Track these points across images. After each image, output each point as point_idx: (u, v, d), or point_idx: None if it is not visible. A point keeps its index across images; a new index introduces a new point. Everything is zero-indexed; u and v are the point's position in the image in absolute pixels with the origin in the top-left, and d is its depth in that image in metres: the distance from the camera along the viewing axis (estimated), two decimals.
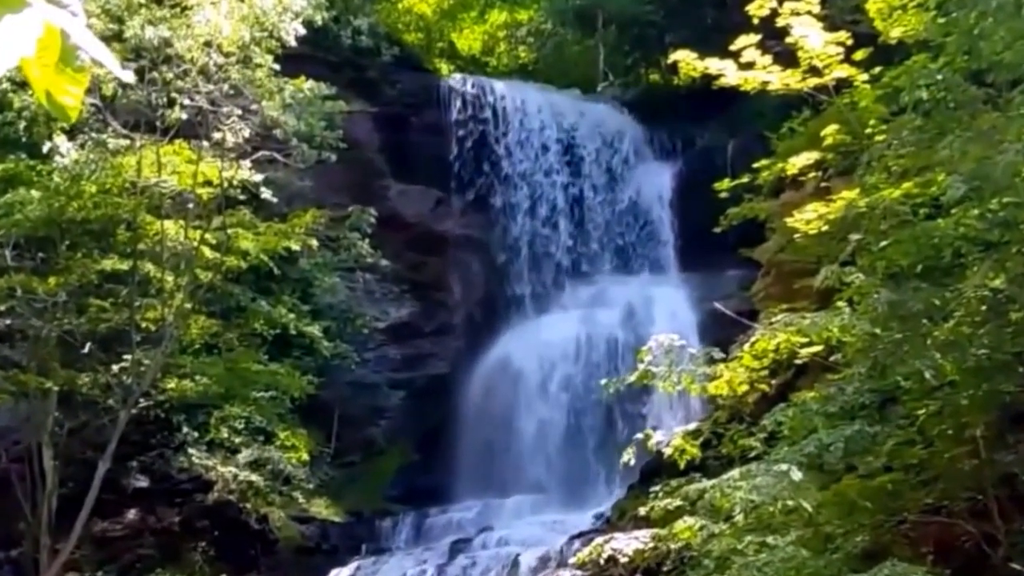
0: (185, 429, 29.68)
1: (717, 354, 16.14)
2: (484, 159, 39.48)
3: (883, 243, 14.22)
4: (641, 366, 15.63)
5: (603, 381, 16.94)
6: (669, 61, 17.19)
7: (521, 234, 38.88)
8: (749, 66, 15.17)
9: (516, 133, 39.82)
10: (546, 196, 39.34)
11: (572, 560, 21.67)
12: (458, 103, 39.81)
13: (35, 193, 25.92)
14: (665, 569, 18.20)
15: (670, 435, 16.53)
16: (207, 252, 27.19)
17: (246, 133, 26.50)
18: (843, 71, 15.11)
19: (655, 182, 39.39)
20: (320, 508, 31.55)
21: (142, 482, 29.50)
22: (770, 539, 13.65)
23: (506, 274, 38.35)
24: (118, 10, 25.69)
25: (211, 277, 27.43)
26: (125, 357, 26.69)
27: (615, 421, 32.78)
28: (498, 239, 38.78)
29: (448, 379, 36.24)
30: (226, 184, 26.77)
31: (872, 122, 15.36)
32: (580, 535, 26.67)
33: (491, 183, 39.30)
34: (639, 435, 15.93)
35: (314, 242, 29.05)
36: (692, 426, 17.42)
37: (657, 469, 21.42)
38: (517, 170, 39.47)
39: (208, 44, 25.58)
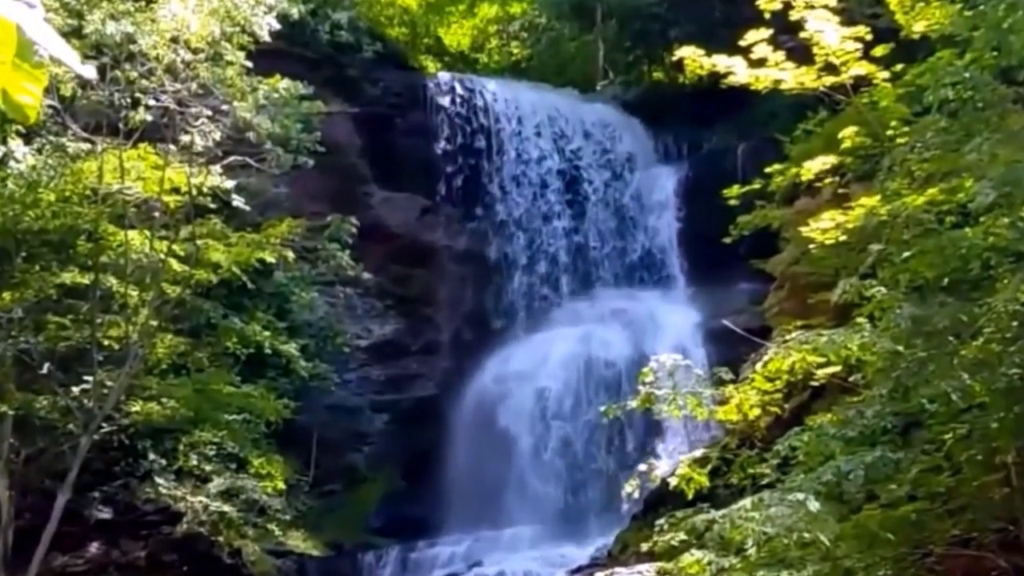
0: (151, 456, 29.60)
1: (726, 375, 16.12)
2: (477, 201, 39.05)
3: (906, 254, 14.21)
4: (643, 388, 15.57)
5: (602, 408, 16.86)
6: (674, 58, 17.15)
7: (517, 298, 38.43)
8: (760, 63, 15.16)
9: (512, 166, 39.29)
10: (545, 247, 38.70)
11: None
12: (446, 128, 39.32)
13: None
14: None
15: (675, 463, 16.49)
16: (174, 265, 27.14)
17: (216, 136, 26.46)
18: (862, 68, 15.10)
19: (658, 188, 39.25)
20: (297, 541, 31.47)
21: (105, 513, 29.41)
22: (785, 574, 13.61)
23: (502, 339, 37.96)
24: (77, 4, 25.66)
25: (179, 292, 27.36)
26: (86, 378, 26.60)
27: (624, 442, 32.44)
28: (492, 299, 38.42)
29: (436, 401, 36.18)
30: (195, 191, 26.73)
31: (893, 123, 15.36)
32: (579, 570, 26.65)
33: (484, 230, 38.88)
34: (642, 465, 15.89)
35: (290, 254, 28.98)
36: (699, 453, 17.38)
37: (662, 498, 21.38)
38: (513, 215, 38.95)
39: (175, 40, 25.55)
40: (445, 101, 39.83)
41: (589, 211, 39.03)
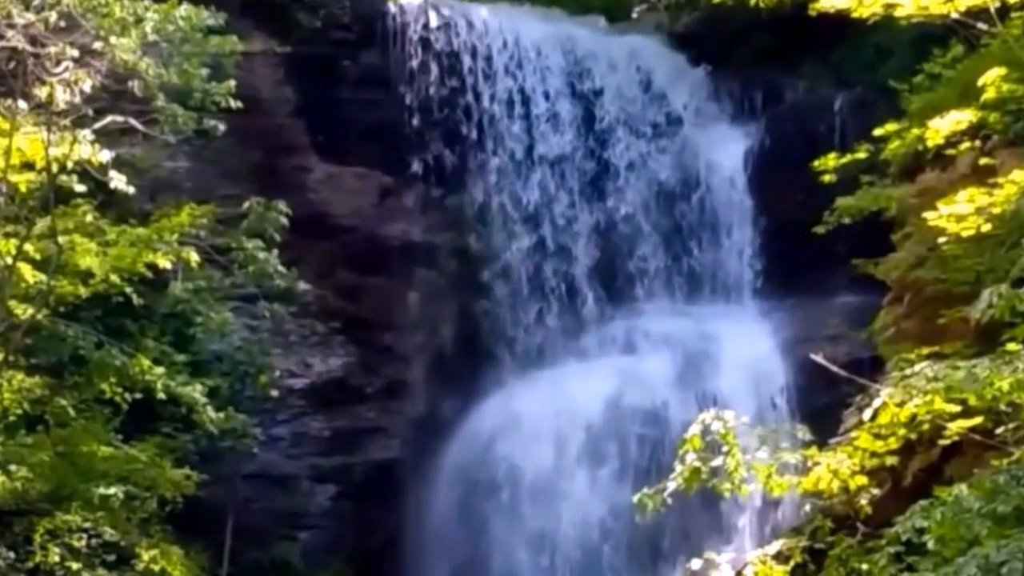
0: None
1: (802, 435, 16.13)
2: (461, 178, 38.68)
3: None
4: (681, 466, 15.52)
5: (635, 497, 16.75)
6: None
7: (518, 317, 37.97)
8: None
9: (510, 128, 38.88)
10: (558, 244, 38.41)
11: None
12: (417, 76, 39.06)
13: None
14: None
15: (742, 560, 16.50)
16: (27, 273, 27.11)
17: (86, 87, 26.43)
18: None
19: (721, 157, 39.02)
20: None
21: None
22: None
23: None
24: None
25: (33, 312, 27.35)
26: None
27: None
28: (482, 319, 38.17)
29: (401, 467, 36.17)
30: (56, 167, 26.70)
31: None
32: None
33: (471, 220, 38.48)
34: (696, 562, 15.88)
35: (194, 256, 28.97)
36: (774, 547, 17.39)
37: None
38: (512, 198, 38.40)
39: None
40: (415, 36, 39.73)
41: (621, 191, 38.86)
